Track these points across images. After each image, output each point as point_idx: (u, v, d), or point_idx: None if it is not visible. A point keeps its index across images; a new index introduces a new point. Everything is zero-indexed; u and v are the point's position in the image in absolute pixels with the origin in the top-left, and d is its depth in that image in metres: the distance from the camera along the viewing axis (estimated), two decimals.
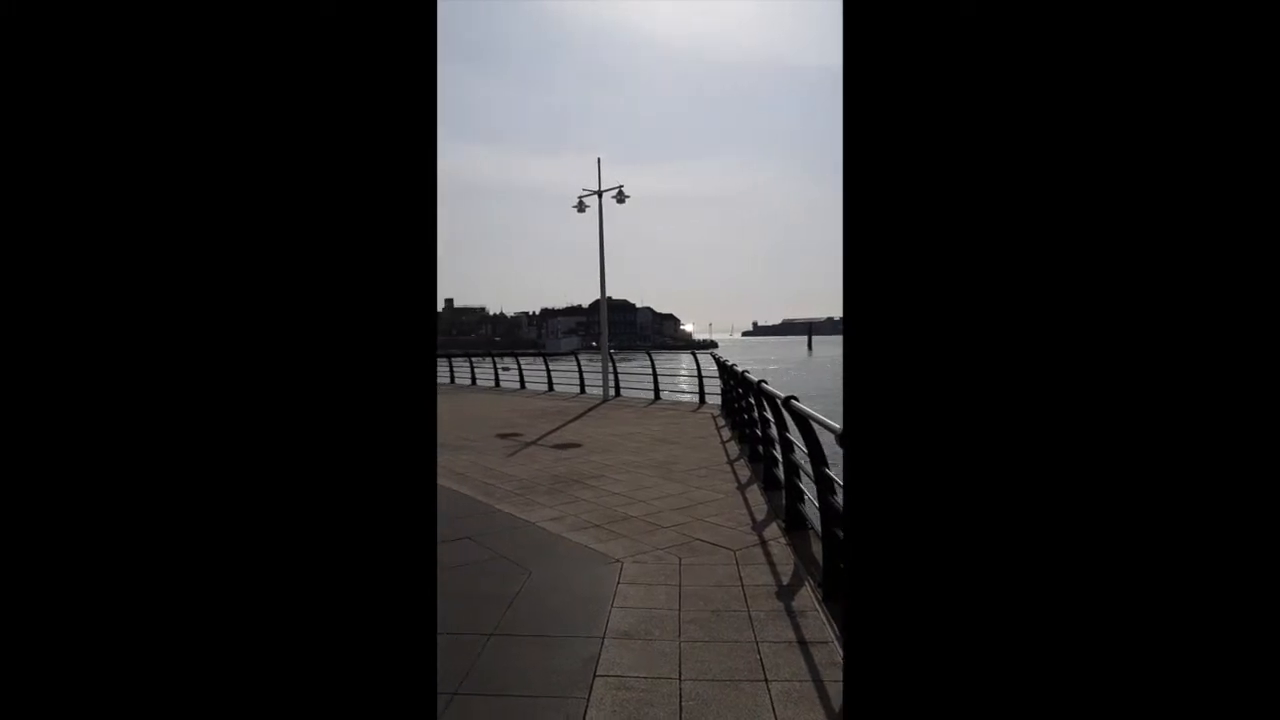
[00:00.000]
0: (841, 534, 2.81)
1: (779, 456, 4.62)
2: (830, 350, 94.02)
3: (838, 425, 2.59)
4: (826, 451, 3.21)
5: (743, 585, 3.29)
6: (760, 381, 5.14)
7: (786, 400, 3.77)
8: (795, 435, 3.89)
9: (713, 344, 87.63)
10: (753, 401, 5.88)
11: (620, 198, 12.60)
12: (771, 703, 2.26)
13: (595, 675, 2.42)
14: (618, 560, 3.65)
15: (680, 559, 3.67)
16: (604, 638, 2.72)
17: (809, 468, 3.45)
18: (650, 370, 12.38)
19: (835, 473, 3.22)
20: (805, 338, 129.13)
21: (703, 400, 11.31)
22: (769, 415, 5.02)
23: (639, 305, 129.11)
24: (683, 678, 2.42)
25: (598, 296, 13.38)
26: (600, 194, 12.73)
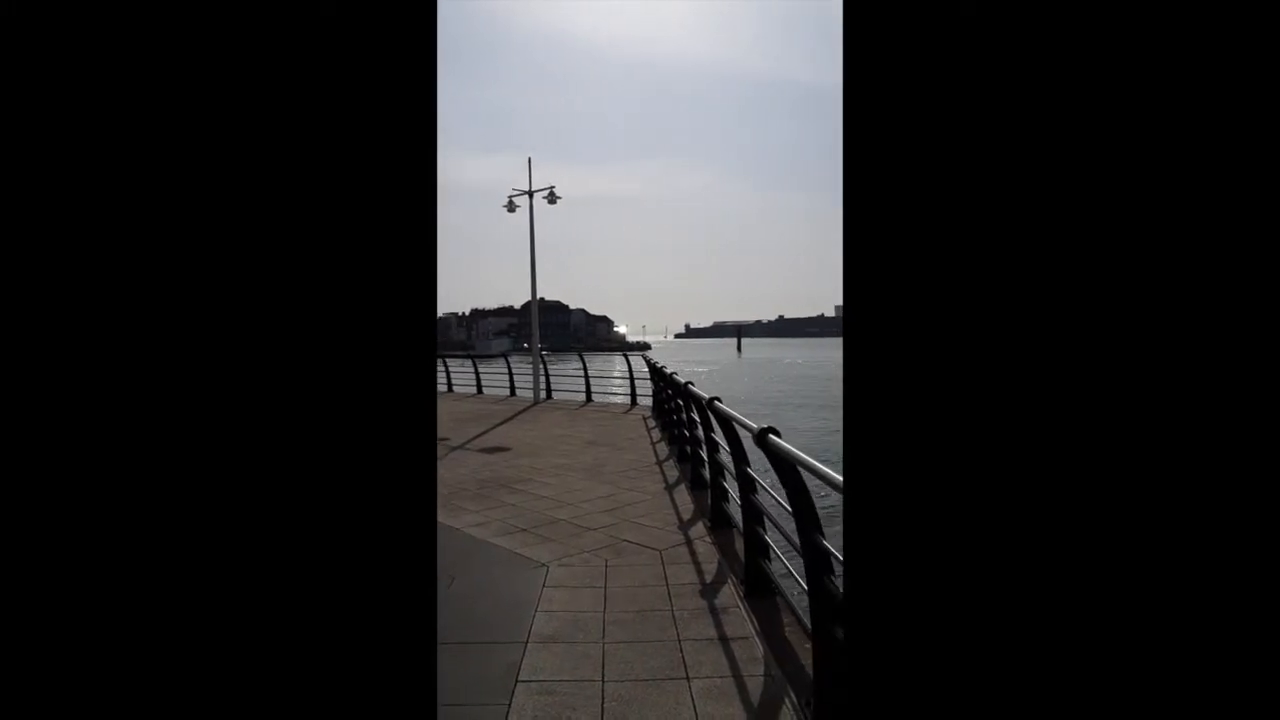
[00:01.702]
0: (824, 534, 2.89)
1: (705, 457, 4.70)
2: (760, 352, 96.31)
3: (755, 426, 2.66)
4: (750, 453, 3.29)
5: (668, 585, 3.33)
6: (687, 384, 5.21)
7: (710, 402, 3.85)
8: (722, 436, 3.97)
9: (646, 346, 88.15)
10: (681, 403, 5.96)
11: (551, 198, 12.50)
12: (692, 699, 2.29)
13: (517, 681, 2.40)
14: (544, 564, 3.63)
15: (607, 561, 3.68)
16: (527, 643, 2.69)
17: (734, 467, 3.53)
18: (582, 372, 12.34)
19: (756, 472, 3.31)
20: (735, 340, 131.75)
21: (634, 402, 11.37)
22: (696, 416, 5.10)
23: (572, 307, 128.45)
24: (605, 679, 2.42)
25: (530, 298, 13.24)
26: (531, 194, 12.60)
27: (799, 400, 29.03)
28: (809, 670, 2.40)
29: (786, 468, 2.32)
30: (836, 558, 2.15)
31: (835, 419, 22.48)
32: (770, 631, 2.80)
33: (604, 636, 2.76)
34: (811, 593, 2.26)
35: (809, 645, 2.46)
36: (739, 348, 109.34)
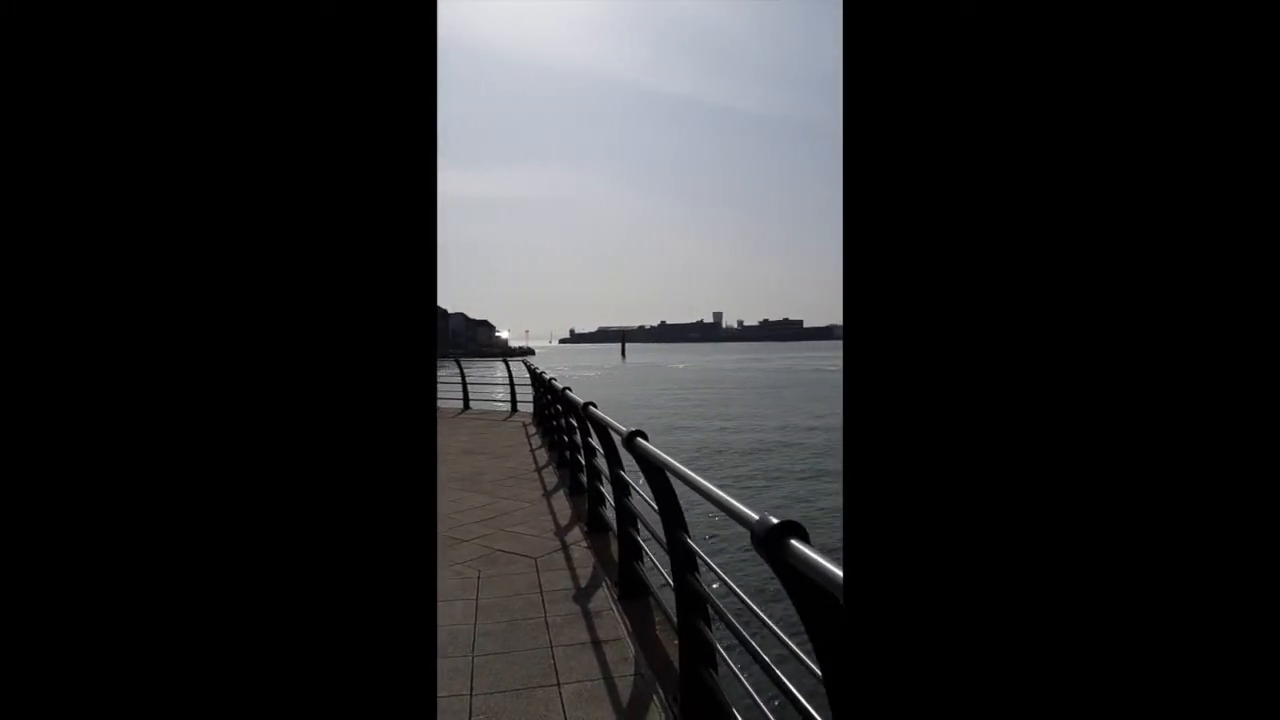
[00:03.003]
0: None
1: (583, 461, 4.73)
2: (645, 357, 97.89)
3: (624, 429, 2.72)
4: (627, 458, 3.35)
5: (542, 592, 3.32)
6: (565, 389, 5.22)
7: (585, 406, 3.88)
8: (598, 441, 4.01)
9: (529, 351, 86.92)
10: (560, 408, 5.96)
11: None
12: (563, 705, 2.30)
13: None
14: None
15: (480, 572, 3.60)
16: None
17: (608, 471, 3.58)
18: (459, 379, 11.98)
19: (630, 475, 3.38)
20: (620, 345, 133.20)
21: (515, 408, 11.19)
22: (574, 422, 5.12)
23: (451, 311, 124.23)
24: (474, 692, 2.38)
25: None
26: None
27: (698, 410, 29.75)
28: (677, 665, 2.48)
29: (653, 470, 2.39)
30: (700, 556, 2.25)
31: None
32: (642, 631, 2.86)
33: (474, 649, 2.70)
34: (677, 590, 2.34)
35: (678, 641, 2.55)
36: (623, 353, 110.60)
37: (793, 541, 1.24)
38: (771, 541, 1.27)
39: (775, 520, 1.30)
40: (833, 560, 1.16)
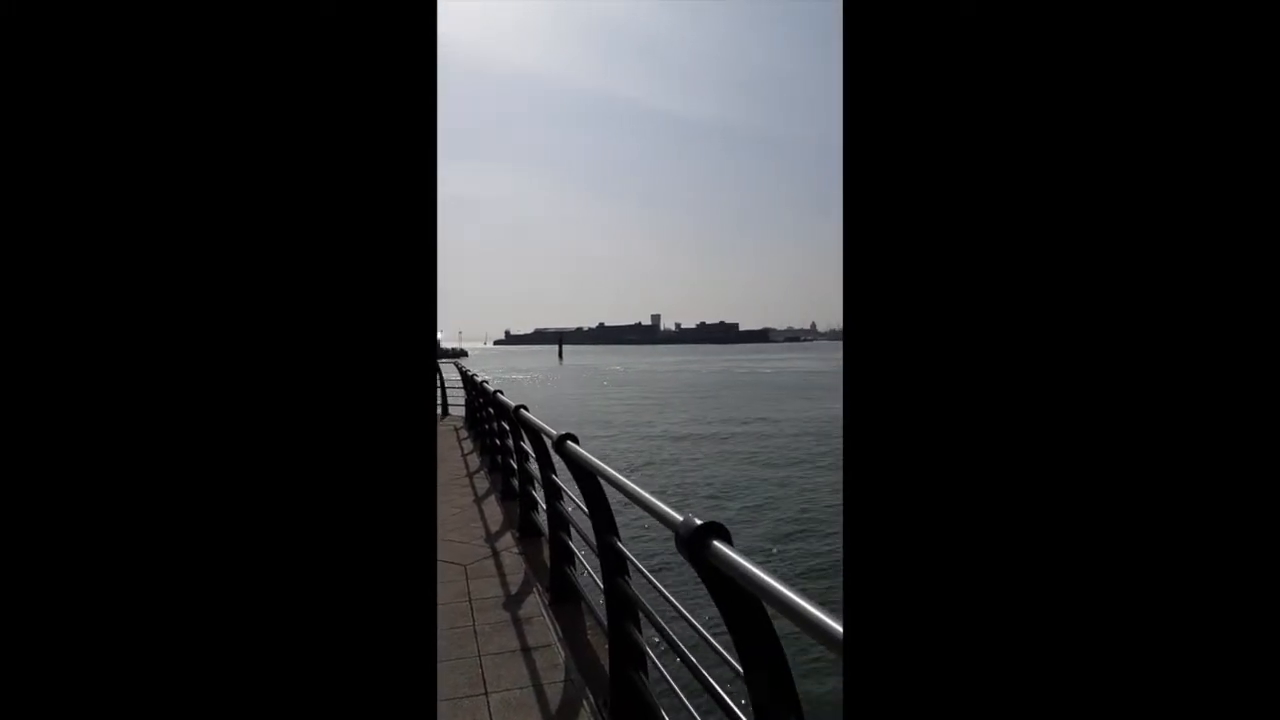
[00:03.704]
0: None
1: (515, 466, 4.66)
2: (583, 359, 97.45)
3: (555, 433, 2.70)
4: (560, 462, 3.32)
5: (470, 600, 3.25)
6: (497, 391, 5.13)
7: (516, 409, 3.83)
8: (530, 444, 3.96)
9: (462, 353, 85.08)
10: (492, 411, 5.86)
11: None
12: (490, 714, 2.26)
13: None
14: None
15: None
16: None
17: (540, 475, 3.54)
18: None
19: (562, 480, 3.35)
20: (557, 346, 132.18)
21: (445, 412, 10.92)
22: (505, 425, 5.04)
23: None
24: None
25: None
26: None
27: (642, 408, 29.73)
28: (607, 669, 2.48)
29: (583, 474, 2.38)
30: (631, 559, 2.25)
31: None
32: (573, 636, 2.85)
33: None
34: (607, 594, 2.34)
35: (608, 645, 2.54)
36: (560, 354, 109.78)
37: (715, 542, 1.27)
38: (694, 542, 1.28)
39: (699, 522, 1.32)
40: (752, 560, 1.19)
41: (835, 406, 28.69)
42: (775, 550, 9.60)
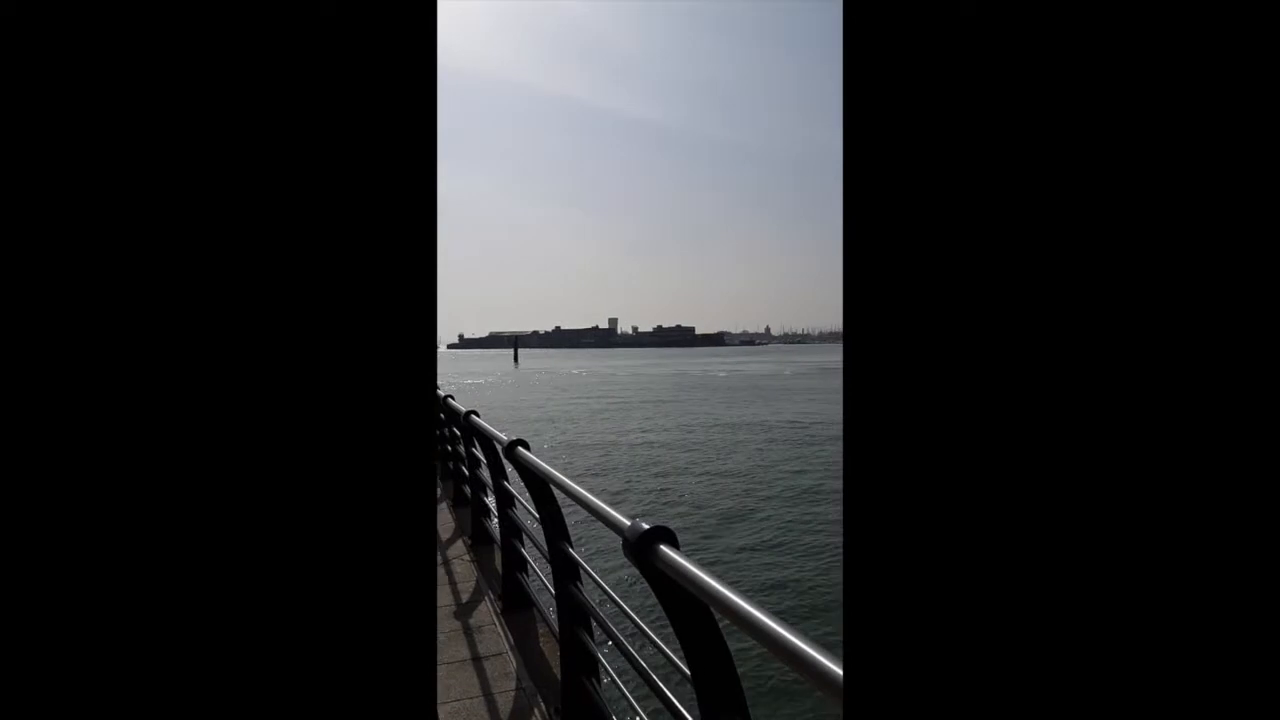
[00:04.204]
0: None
1: (467, 472, 4.59)
2: (539, 363, 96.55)
3: (505, 438, 2.67)
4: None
5: None
6: (448, 397, 5.05)
7: (467, 415, 3.77)
8: (481, 451, 3.91)
9: None
10: (443, 417, 5.76)
11: None
12: None
13: None
14: None
15: None
16: None
17: (491, 481, 3.50)
18: None
19: (514, 486, 3.32)
20: (512, 350, 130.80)
21: None
22: (457, 431, 4.97)
23: None
24: None
25: None
26: None
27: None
28: (559, 676, 2.46)
29: (534, 480, 2.37)
30: (583, 566, 2.24)
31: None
32: (524, 644, 2.82)
33: None
34: (559, 600, 2.32)
35: (560, 652, 2.53)
36: (516, 358, 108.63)
37: (662, 547, 1.27)
38: (641, 547, 1.29)
39: (646, 526, 1.32)
40: (698, 565, 1.20)
41: (790, 408, 29.17)
42: (731, 557, 9.70)
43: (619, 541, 1.42)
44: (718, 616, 1.21)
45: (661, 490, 13.75)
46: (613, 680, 2.02)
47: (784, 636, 0.92)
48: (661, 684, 1.62)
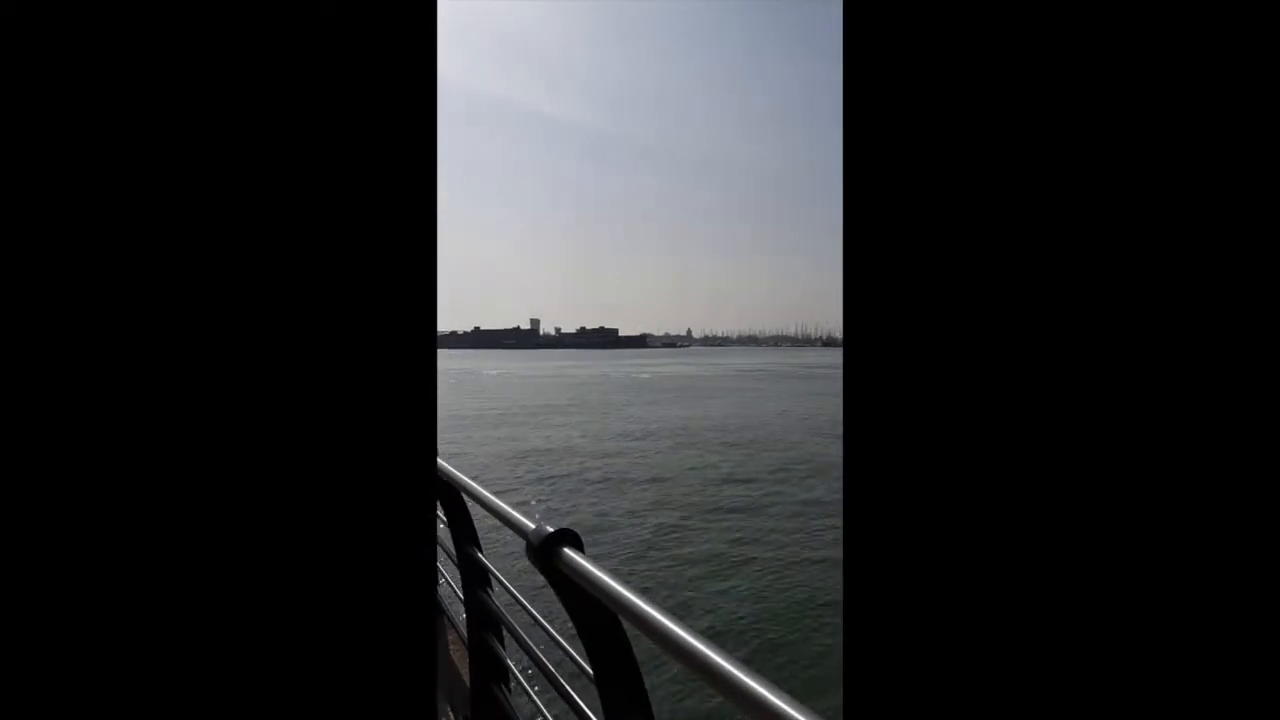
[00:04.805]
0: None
1: None
2: (458, 363, 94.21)
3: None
4: None
5: None
6: None
7: None
8: None
9: None
10: None
11: None
12: None
13: None
14: None
15: None
16: None
17: None
18: None
19: None
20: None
21: None
22: None
23: None
24: None
25: None
26: None
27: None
28: (468, 683, 2.41)
29: (441, 485, 2.31)
30: (492, 572, 2.21)
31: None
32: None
33: None
34: (468, 607, 2.28)
35: (469, 659, 2.48)
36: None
37: (565, 550, 1.27)
38: (544, 550, 1.29)
39: (551, 529, 1.32)
40: (602, 568, 1.21)
41: (698, 409, 29.73)
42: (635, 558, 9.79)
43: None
44: (621, 618, 1.22)
45: (572, 493, 13.72)
46: (521, 686, 2.01)
47: (681, 636, 0.94)
48: (569, 687, 1.62)
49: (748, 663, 0.87)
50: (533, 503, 13.33)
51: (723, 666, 0.86)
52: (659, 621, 0.99)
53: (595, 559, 1.25)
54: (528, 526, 1.42)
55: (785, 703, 0.78)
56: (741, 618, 7.91)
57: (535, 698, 1.92)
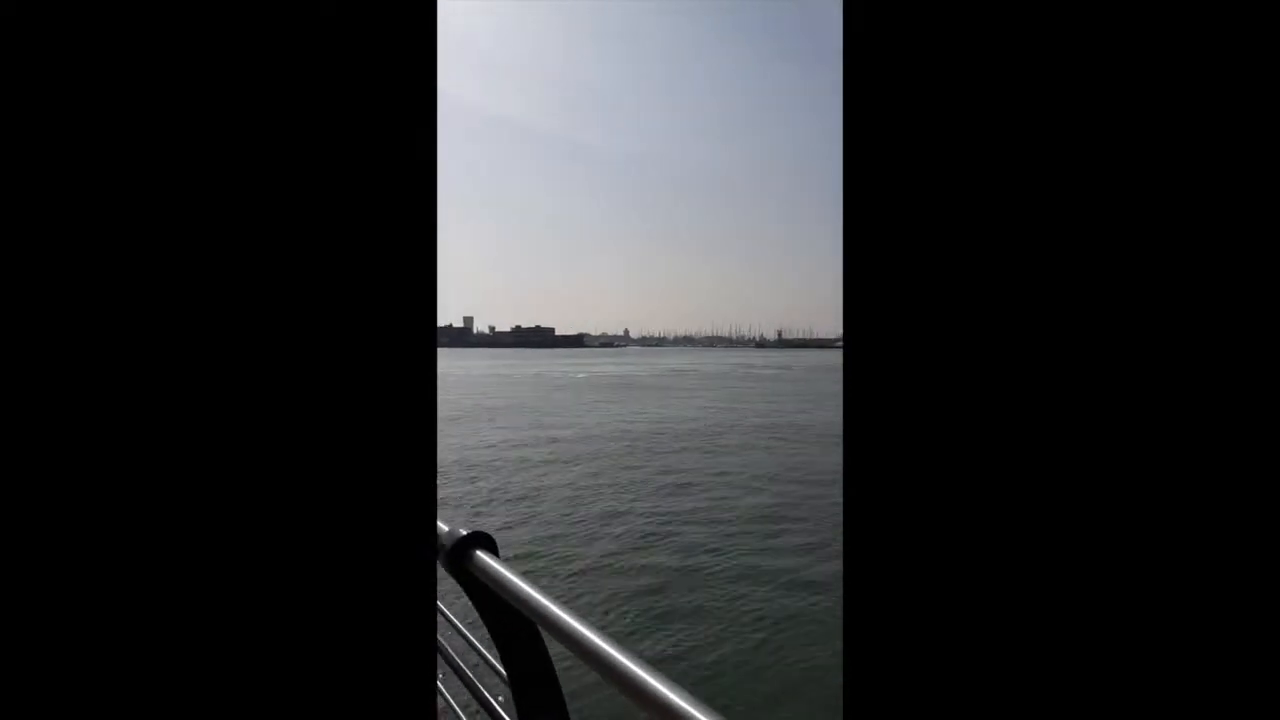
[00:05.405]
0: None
1: None
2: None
3: None
4: None
5: None
6: None
7: None
8: None
9: None
10: None
11: None
12: None
13: None
14: None
15: None
16: None
17: None
18: None
19: None
20: None
21: None
22: None
23: None
24: None
25: None
26: None
27: None
28: None
29: None
30: None
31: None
32: None
33: None
34: None
35: None
36: None
37: (477, 552, 1.24)
38: (456, 553, 1.25)
39: (464, 532, 1.28)
40: (515, 570, 1.18)
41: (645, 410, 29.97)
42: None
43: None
44: (534, 622, 1.19)
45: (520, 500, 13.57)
46: (439, 692, 1.94)
47: (594, 641, 0.92)
48: (486, 692, 1.58)
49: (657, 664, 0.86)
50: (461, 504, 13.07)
51: (633, 671, 0.85)
52: (572, 626, 0.97)
53: (508, 561, 1.22)
54: (441, 529, 1.37)
55: (697, 709, 0.76)
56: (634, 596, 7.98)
57: (453, 703, 1.86)
